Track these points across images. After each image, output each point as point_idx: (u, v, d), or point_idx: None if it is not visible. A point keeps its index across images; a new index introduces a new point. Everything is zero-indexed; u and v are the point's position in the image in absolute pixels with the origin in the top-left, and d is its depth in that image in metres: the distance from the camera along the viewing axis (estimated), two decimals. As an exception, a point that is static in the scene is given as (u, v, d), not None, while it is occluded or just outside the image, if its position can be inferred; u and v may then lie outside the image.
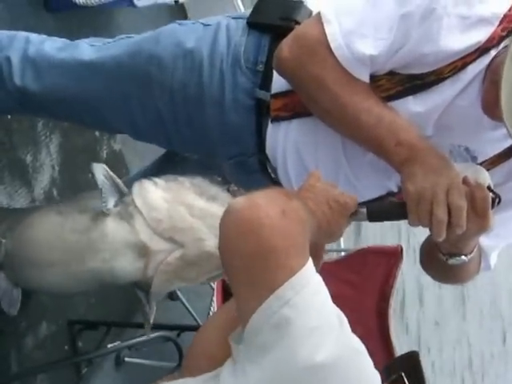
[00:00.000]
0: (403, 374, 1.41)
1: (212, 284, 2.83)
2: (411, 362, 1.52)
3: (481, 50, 1.23)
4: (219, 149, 1.51)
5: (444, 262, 1.31)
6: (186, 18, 3.09)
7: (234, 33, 1.44)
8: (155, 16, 2.86)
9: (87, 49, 1.57)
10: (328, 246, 1.32)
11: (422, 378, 1.46)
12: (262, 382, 0.85)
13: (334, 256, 3.07)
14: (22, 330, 2.17)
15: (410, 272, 4.98)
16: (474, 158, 1.33)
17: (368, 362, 0.89)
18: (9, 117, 2.16)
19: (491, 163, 1.35)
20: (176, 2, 2.75)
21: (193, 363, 1.11)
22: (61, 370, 2.29)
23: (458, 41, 1.22)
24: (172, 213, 1.43)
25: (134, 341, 2.32)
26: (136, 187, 1.48)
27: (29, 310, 2.13)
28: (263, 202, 0.90)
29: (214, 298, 2.71)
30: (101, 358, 2.46)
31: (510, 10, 1.23)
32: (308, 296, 0.87)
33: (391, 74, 1.29)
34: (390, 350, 2.69)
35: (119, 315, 2.66)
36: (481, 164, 1.32)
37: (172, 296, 2.83)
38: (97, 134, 2.63)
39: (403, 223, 1.22)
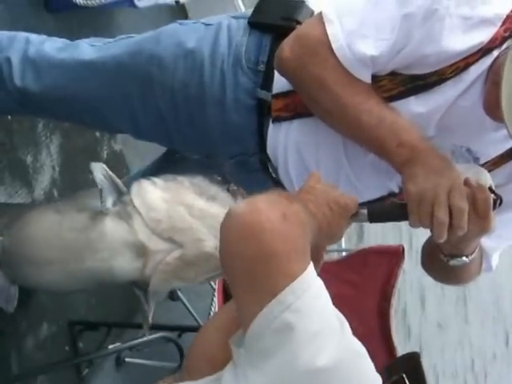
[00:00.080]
0: (404, 376, 1.41)
1: (213, 284, 2.83)
2: (412, 362, 1.52)
3: (483, 51, 1.23)
4: (220, 148, 1.51)
5: (445, 263, 1.31)
6: (186, 18, 3.09)
7: (236, 33, 1.44)
8: (156, 16, 2.86)
9: (87, 49, 1.56)
10: (329, 246, 1.32)
11: (423, 379, 1.46)
12: None
13: (335, 256, 3.07)
14: (22, 331, 2.17)
15: (412, 273, 4.97)
16: (476, 159, 1.33)
17: (369, 365, 0.89)
18: (9, 117, 2.17)
19: (493, 164, 1.34)
20: (177, 2, 2.74)
21: (193, 364, 1.11)
22: (61, 371, 2.29)
23: (460, 41, 1.22)
24: (171, 213, 1.43)
25: (135, 342, 2.32)
26: (134, 187, 1.47)
27: (29, 310, 2.13)
28: (264, 206, 0.90)
29: (215, 299, 2.71)
30: (101, 358, 2.46)
31: None
32: (309, 300, 0.86)
33: (393, 74, 1.28)
34: (392, 350, 2.69)
35: (120, 316, 2.66)
36: (483, 165, 1.32)
37: (173, 296, 2.83)
38: (97, 134, 2.63)
39: (405, 224, 1.21)
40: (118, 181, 1.46)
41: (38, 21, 2.34)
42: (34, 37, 1.61)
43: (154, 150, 1.88)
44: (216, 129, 1.47)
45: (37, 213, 1.59)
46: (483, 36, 1.22)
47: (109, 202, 1.44)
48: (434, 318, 6.71)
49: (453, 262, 1.30)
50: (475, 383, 7.48)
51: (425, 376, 1.46)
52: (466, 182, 1.16)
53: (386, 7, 1.24)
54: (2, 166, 2.15)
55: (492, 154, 1.34)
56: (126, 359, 2.58)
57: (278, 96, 1.39)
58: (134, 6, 2.48)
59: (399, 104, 1.28)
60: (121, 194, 1.46)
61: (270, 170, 1.50)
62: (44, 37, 1.63)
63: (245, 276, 0.89)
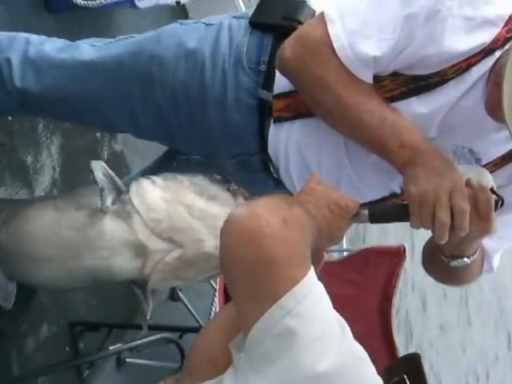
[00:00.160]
0: (405, 377, 1.40)
1: (214, 284, 2.83)
2: (413, 363, 1.51)
3: (485, 52, 1.23)
4: (221, 148, 1.51)
5: (446, 263, 1.31)
6: (187, 18, 3.08)
7: (237, 33, 1.44)
8: (156, 16, 2.86)
9: (88, 49, 1.56)
10: (330, 247, 1.32)
11: (424, 381, 1.45)
12: None
13: (336, 256, 3.07)
14: (22, 332, 2.17)
15: (414, 273, 4.97)
16: (477, 160, 1.33)
17: (370, 369, 0.89)
18: (9, 118, 2.17)
19: (495, 165, 1.34)
20: (178, 2, 2.74)
21: (194, 365, 1.10)
22: (62, 372, 2.29)
23: (462, 42, 1.21)
24: (171, 213, 1.42)
25: (136, 343, 2.32)
26: (133, 186, 1.47)
27: (29, 311, 2.13)
28: (264, 211, 0.90)
29: (216, 299, 2.71)
30: (102, 359, 2.46)
31: None
32: (310, 305, 0.86)
33: (395, 74, 1.28)
34: (393, 350, 2.70)
35: (120, 316, 2.66)
36: (484, 166, 1.31)
37: (174, 297, 2.83)
38: (98, 134, 2.63)
39: (406, 224, 1.21)
40: (118, 179, 1.46)
41: (39, 21, 2.34)
42: (34, 37, 1.61)
43: (154, 150, 1.88)
44: (217, 128, 1.46)
45: (35, 209, 1.58)
46: (485, 37, 1.21)
47: (108, 200, 1.44)
48: (436, 319, 6.70)
49: (454, 263, 1.30)
50: (477, 385, 7.47)
51: (426, 377, 1.46)
52: (468, 183, 1.15)
53: (389, 7, 1.23)
54: (2, 167, 2.15)
55: (494, 154, 1.34)
56: (127, 359, 2.58)
57: (279, 96, 1.39)
58: (134, 6, 2.48)
59: (401, 104, 1.28)
60: (120, 193, 1.46)
61: (271, 170, 1.50)
62: (44, 37, 1.63)
63: (245, 281, 0.89)
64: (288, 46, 1.29)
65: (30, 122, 2.26)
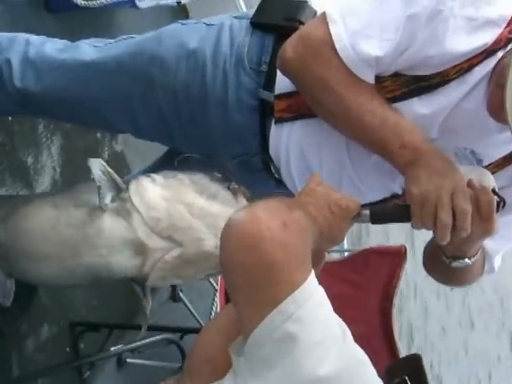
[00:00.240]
0: (406, 378, 1.40)
1: (215, 284, 2.83)
2: (414, 364, 1.51)
3: (487, 52, 1.22)
4: (222, 148, 1.50)
5: (447, 264, 1.30)
6: (187, 18, 3.08)
7: (238, 33, 1.44)
8: (157, 16, 2.85)
9: (88, 49, 1.56)
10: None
11: (426, 382, 1.45)
12: None
13: (337, 256, 3.07)
14: (23, 332, 2.17)
15: (415, 274, 4.97)
16: (479, 161, 1.32)
17: (371, 372, 0.89)
18: (10, 118, 2.16)
19: (496, 166, 1.34)
20: (178, 2, 2.74)
21: (194, 365, 1.10)
22: (62, 373, 2.29)
23: (464, 42, 1.21)
24: (171, 212, 1.42)
25: (137, 343, 2.31)
26: (133, 184, 1.46)
27: (30, 311, 2.12)
28: (264, 215, 0.90)
29: (217, 299, 2.71)
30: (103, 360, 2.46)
31: None
32: (311, 309, 0.86)
33: (396, 75, 1.28)
34: (394, 350, 2.70)
35: (121, 317, 2.66)
36: (486, 167, 1.31)
37: (174, 297, 2.83)
38: (98, 135, 2.63)
39: (407, 225, 1.21)
40: (117, 177, 1.45)
41: (39, 21, 2.34)
42: (34, 38, 1.60)
43: (155, 150, 1.88)
44: (218, 129, 1.46)
45: (34, 207, 1.57)
46: (487, 37, 1.21)
47: (107, 198, 1.43)
48: (437, 321, 6.70)
49: (455, 264, 1.29)
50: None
51: (427, 378, 1.45)
52: (470, 184, 1.15)
53: (391, 7, 1.23)
54: (2, 168, 2.15)
55: (495, 155, 1.33)
56: (128, 360, 2.58)
57: (280, 97, 1.38)
58: (135, 6, 2.47)
59: (402, 105, 1.27)
60: (120, 191, 1.45)
61: (273, 170, 1.50)
62: (44, 38, 1.62)
63: (245, 285, 0.89)
64: (289, 47, 1.29)
65: (31, 123, 2.26)
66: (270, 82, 1.39)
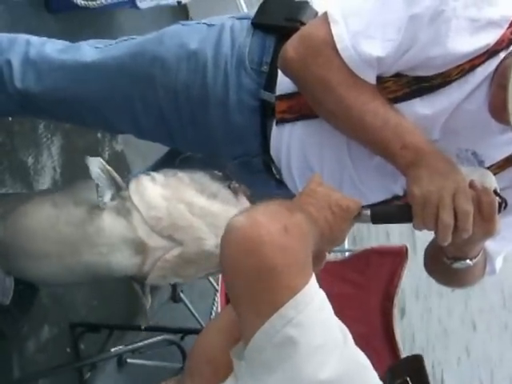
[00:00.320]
0: (408, 379, 1.40)
1: (215, 285, 2.83)
2: (416, 365, 1.51)
3: (489, 53, 1.22)
4: (223, 149, 1.50)
5: (448, 265, 1.30)
6: (187, 18, 3.08)
7: (239, 34, 1.44)
8: (157, 17, 2.85)
9: (89, 50, 1.56)
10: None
11: (427, 383, 1.45)
12: None
13: (338, 256, 3.07)
14: (23, 334, 2.17)
15: (416, 275, 4.96)
16: (481, 163, 1.32)
17: (373, 375, 0.89)
18: (10, 119, 2.16)
19: (498, 167, 1.33)
20: (179, 2, 2.74)
21: (194, 365, 1.10)
22: (63, 374, 2.29)
23: (466, 43, 1.20)
24: (171, 211, 1.42)
25: (138, 344, 2.31)
26: (133, 183, 1.46)
27: (30, 312, 2.12)
28: (264, 219, 0.89)
29: (217, 299, 2.71)
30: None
31: None
32: (312, 313, 0.86)
33: (398, 75, 1.27)
34: (395, 350, 2.70)
35: (121, 317, 2.66)
36: (488, 168, 1.31)
37: (175, 298, 2.82)
38: (99, 135, 2.63)
39: (408, 225, 1.20)
40: (116, 175, 1.45)
41: (39, 22, 2.34)
42: (34, 39, 1.60)
43: (155, 151, 1.88)
44: (219, 130, 1.46)
45: (33, 204, 1.57)
46: (490, 38, 1.21)
47: (107, 196, 1.43)
48: (439, 321, 6.69)
49: (456, 265, 1.29)
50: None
51: (428, 379, 1.45)
52: (471, 185, 1.15)
53: (394, 8, 1.22)
54: (2, 168, 2.15)
55: (497, 157, 1.33)
56: (128, 360, 2.57)
57: (281, 98, 1.38)
58: (135, 7, 2.47)
59: (404, 106, 1.27)
60: (119, 189, 1.45)
61: (274, 171, 1.50)
62: (45, 39, 1.62)
63: (246, 290, 0.88)
64: (290, 47, 1.29)
65: (31, 123, 2.26)
66: (271, 83, 1.39)
